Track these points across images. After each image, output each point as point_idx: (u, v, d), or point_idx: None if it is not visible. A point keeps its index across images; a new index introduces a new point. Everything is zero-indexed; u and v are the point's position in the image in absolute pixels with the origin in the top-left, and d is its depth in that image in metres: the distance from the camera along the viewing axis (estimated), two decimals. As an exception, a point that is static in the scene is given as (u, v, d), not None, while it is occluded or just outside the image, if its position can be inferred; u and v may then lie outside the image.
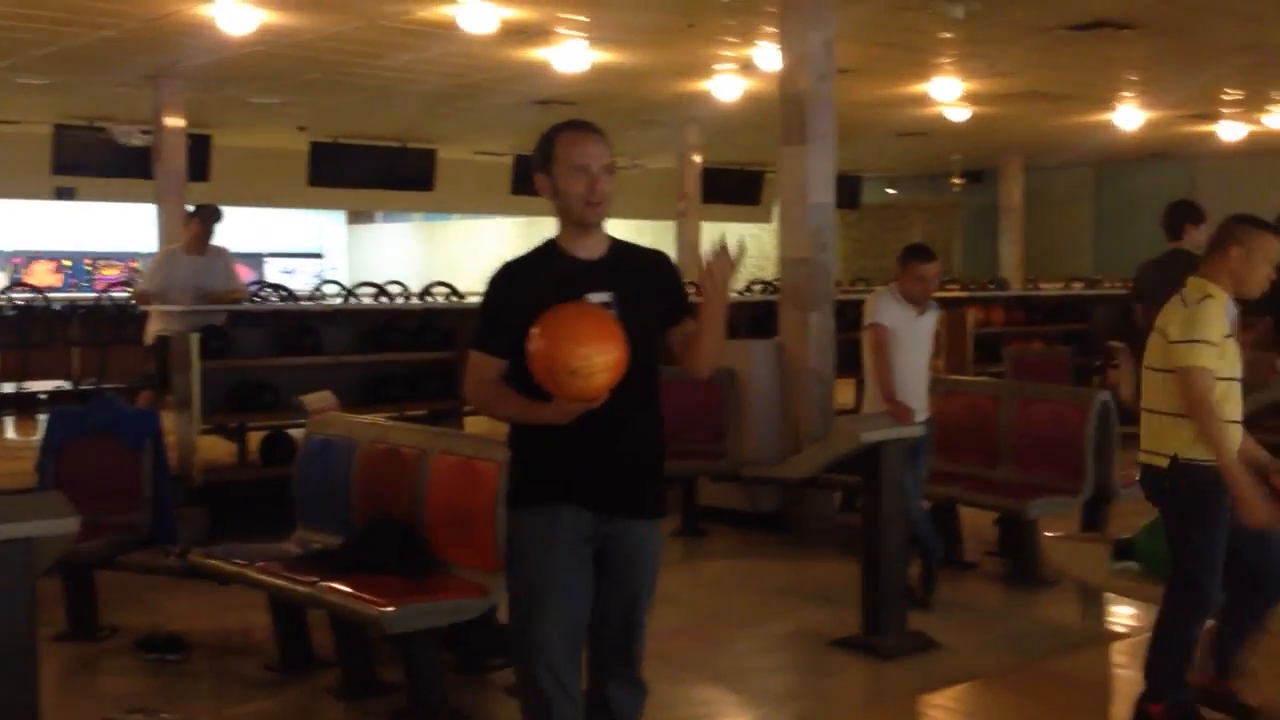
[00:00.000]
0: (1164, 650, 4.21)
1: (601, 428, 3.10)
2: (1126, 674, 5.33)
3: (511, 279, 3.22)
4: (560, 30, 10.67)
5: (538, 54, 11.49)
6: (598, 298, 3.15)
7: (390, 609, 4.32)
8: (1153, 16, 10.26)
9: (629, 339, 3.04)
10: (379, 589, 4.47)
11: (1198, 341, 4.00)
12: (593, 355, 2.96)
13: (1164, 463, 4.11)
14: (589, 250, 3.24)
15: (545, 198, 3.24)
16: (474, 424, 9.30)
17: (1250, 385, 8.40)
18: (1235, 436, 4.14)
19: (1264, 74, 13.18)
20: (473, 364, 3.23)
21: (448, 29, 10.07)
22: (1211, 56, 12.08)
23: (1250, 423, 8.78)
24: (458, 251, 27.53)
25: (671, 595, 6.20)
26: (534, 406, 3.08)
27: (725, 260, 3.21)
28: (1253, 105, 15.54)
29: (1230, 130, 17.08)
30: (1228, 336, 4.07)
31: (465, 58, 11.68)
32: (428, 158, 18.13)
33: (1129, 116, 15.65)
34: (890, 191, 25.47)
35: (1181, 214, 7.49)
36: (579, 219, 3.20)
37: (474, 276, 20.67)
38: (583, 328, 3.01)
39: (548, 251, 3.26)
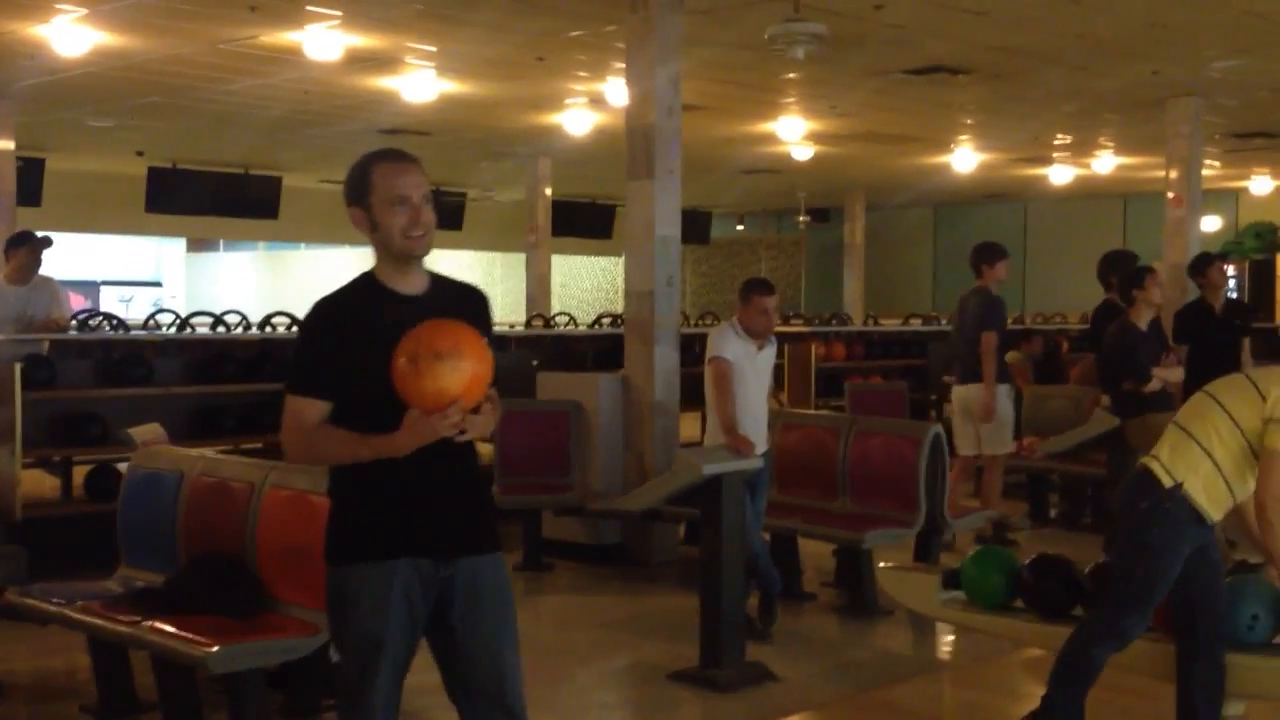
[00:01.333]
0: (1066, 668, 4.25)
1: (430, 471, 2.97)
2: (953, 702, 5.47)
3: (332, 318, 3.05)
4: (408, 59, 10.60)
5: (385, 83, 11.39)
6: None
7: (215, 648, 4.18)
8: (987, 63, 10.66)
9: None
10: (204, 628, 4.33)
11: None
12: (465, 354, 2.81)
13: (1168, 481, 4.11)
14: (410, 285, 3.08)
15: (361, 232, 3.08)
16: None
17: (1074, 420, 8.81)
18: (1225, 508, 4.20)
19: (1091, 120, 13.79)
20: (292, 410, 3.02)
21: (293, 55, 9.92)
22: (1042, 102, 12.60)
23: (1069, 456, 9.13)
24: (304, 282, 27.00)
25: (512, 630, 6.18)
26: (375, 438, 2.91)
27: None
28: (1080, 150, 16.25)
29: (1060, 173, 17.82)
30: None
31: (311, 84, 11.51)
32: (272, 185, 17.77)
33: (965, 159, 16.21)
34: (739, 228, 25.88)
35: (978, 255, 8.18)
36: (402, 252, 3.04)
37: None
38: (462, 336, 2.87)
39: (367, 287, 3.09)
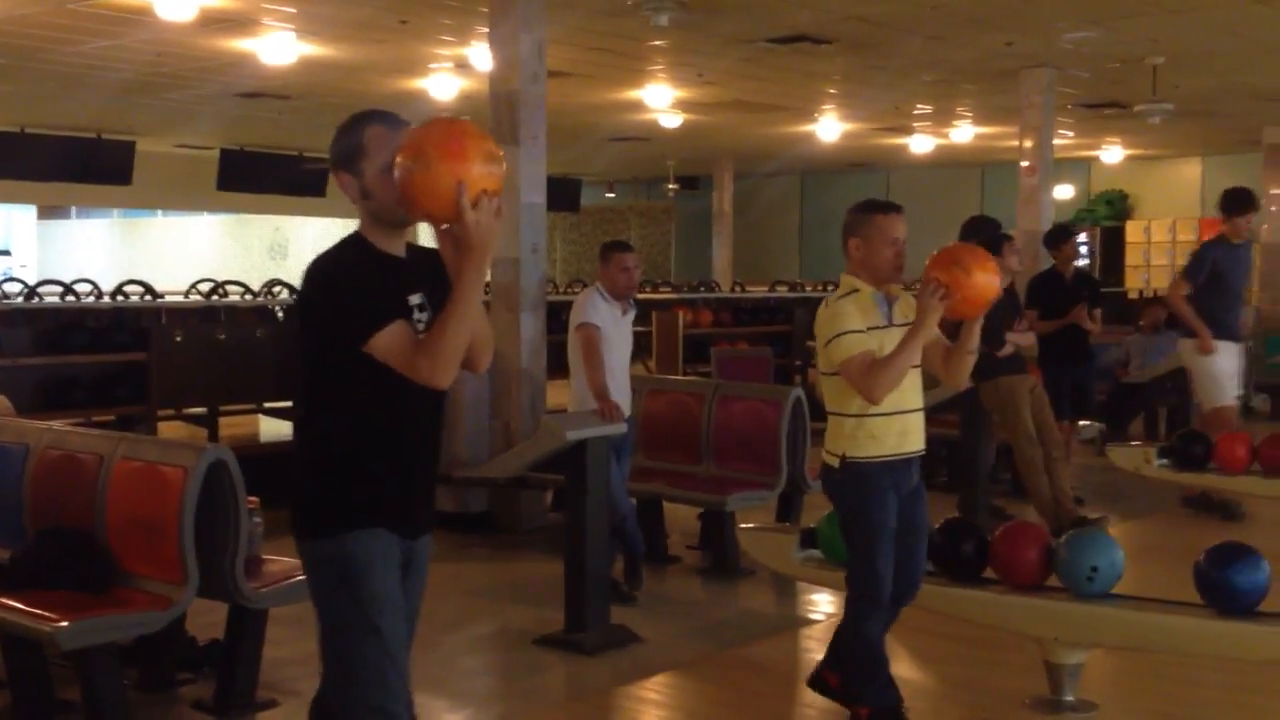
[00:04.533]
0: (852, 651, 4.31)
1: (418, 442, 2.95)
2: (814, 658, 5.59)
3: (347, 267, 2.88)
4: (265, 21, 10.34)
5: (242, 44, 11.10)
6: (415, 299, 2.89)
7: (64, 624, 4.08)
8: (848, 32, 10.80)
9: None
10: (53, 603, 4.22)
11: (839, 335, 4.11)
12: (428, 154, 2.68)
13: (835, 461, 4.23)
14: (398, 249, 2.97)
15: (349, 197, 2.93)
16: (168, 430, 8.89)
17: (929, 383, 9.03)
18: (914, 427, 4.27)
19: (949, 90, 14.09)
20: (390, 349, 2.78)
21: (143, 15, 9.60)
22: (902, 72, 12.83)
23: (925, 418, 9.30)
24: (162, 249, 26.28)
25: (376, 599, 6.14)
26: (458, 286, 2.73)
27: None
28: (940, 120, 16.59)
29: (920, 143, 18.18)
30: (882, 327, 4.15)
31: (163, 45, 11.17)
32: (125, 150, 17.17)
33: (829, 128, 16.43)
34: (609, 195, 25.89)
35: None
36: (395, 220, 2.90)
37: (180, 275, 19.56)
38: (417, 136, 2.76)
39: (361, 247, 2.93)
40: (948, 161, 20.70)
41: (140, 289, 8.63)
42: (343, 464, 2.94)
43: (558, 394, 8.58)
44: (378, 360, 2.80)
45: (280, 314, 11.71)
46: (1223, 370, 7.93)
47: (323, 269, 2.89)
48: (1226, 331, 7.90)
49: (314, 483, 2.96)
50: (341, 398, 2.90)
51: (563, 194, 21.24)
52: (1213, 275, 7.83)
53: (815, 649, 5.64)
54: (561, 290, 14.14)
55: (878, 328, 4.15)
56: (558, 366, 8.31)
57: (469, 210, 2.67)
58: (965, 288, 3.97)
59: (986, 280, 4.01)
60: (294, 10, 10.03)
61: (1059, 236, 8.89)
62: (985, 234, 7.98)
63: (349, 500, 2.93)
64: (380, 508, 2.94)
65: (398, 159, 2.74)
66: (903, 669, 4.91)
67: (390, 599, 2.92)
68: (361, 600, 2.89)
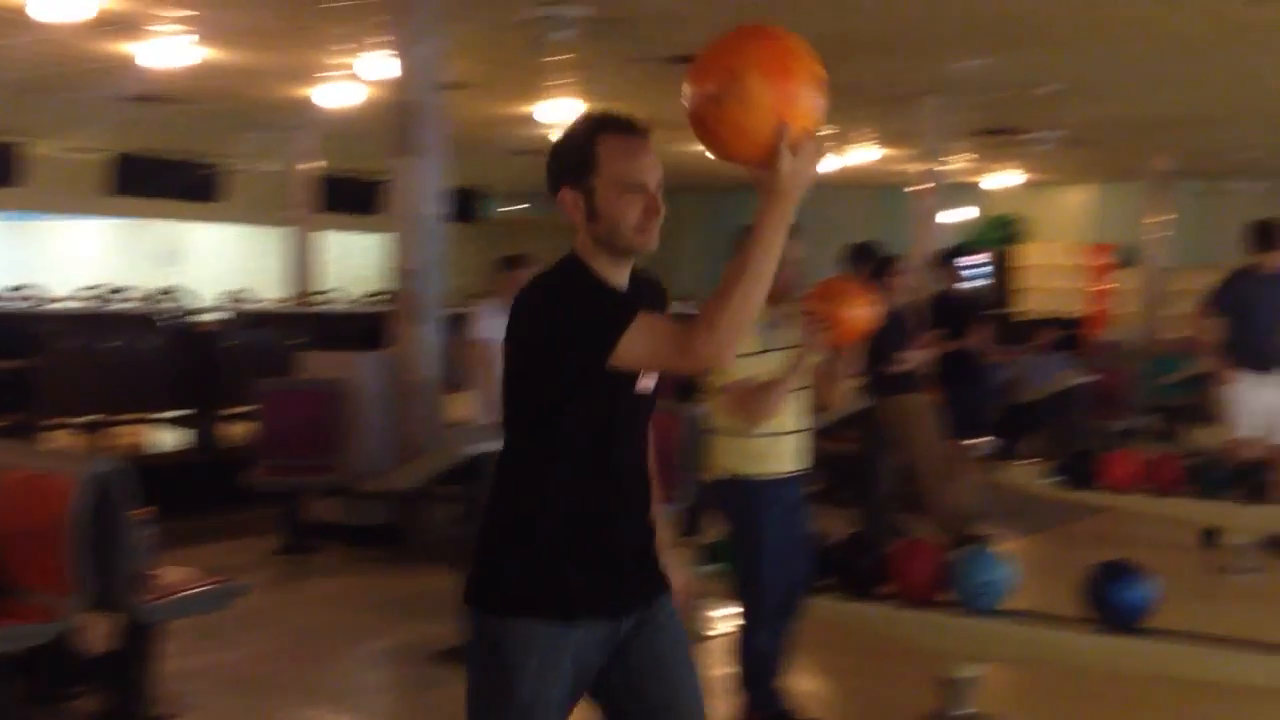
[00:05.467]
0: (743, 660, 4.42)
1: (619, 506, 2.50)
2: (712, 674, 5.60)
3: (572, 288, 2.43)
4: (158, 26, 10.11)
5: (132, 47, 10.83)
6: None
7: (-56, 639, 3.95)
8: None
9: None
10: (-67, 618, 4.08)
11: None
12: (738, 74, 2.15)
13: (721, 476, 4.34)
14: (623, 279, 2.48)
15: (571, 218, 2.44)
16: (53, 439, 8.64)
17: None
18: (798, 447, 4.33)
19: (848, 114, 14.28)
20: (647, 331, 2.31)
21: (17, 14, 9.29)
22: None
23: (826, 435, 9.40)
24: (51, 254, 25.55)
25: (273, 615, 6.06)
26: (757, 228, 2.23)
27: None
28: (840, 140, 16.83)
29: (825, 163, 18.38)
30: (769, 350, 4.21)
31: (48, 46, 10.84)
32: (8, 152, 16.73)
33: (728, 148, 16.54)
34: (517, 209, 25.83)
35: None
36: (629, 248, 2.44)
37: (70, 280, 18.99)
38: (719, 57, 2.21)
39: (583, 277, 2.45)
40: (847, 183, 20.99)
41: (26, 295, 8.39)
42: (536, 534, 2.47)
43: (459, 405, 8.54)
44: (601, 408, 2.43)
45: (170, 323, 11.46)
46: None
47: (540, 291, 2.46)
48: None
49: (495, 547, 2.52)
50: (549, 454, 2.46)
51: (466, 205, 21.15)
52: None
53: (714, 665, 5.66)
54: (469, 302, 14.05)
55: (750, 354, 4.13)
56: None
57: (788, 157, 2.19)
58: (841, 321, 4.17)
59: (861, 313, 4.21)
60: (186, 14, 9.83)
61: (946, 258, 9.13)
62: (870, 261, 8.09)
63: (504, 579, 2.48)
64: (543, 596, 2.46)
65: (697, 85, 2.22)
66: (804, 681, 4.96)
67: (537, 709, 2.45)
68: (507, 699, 2.47)
